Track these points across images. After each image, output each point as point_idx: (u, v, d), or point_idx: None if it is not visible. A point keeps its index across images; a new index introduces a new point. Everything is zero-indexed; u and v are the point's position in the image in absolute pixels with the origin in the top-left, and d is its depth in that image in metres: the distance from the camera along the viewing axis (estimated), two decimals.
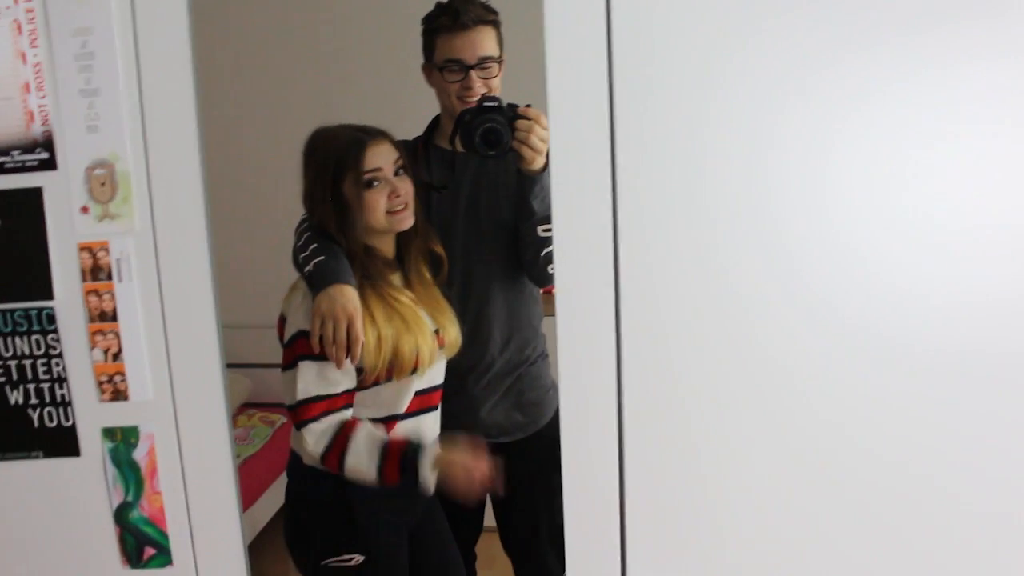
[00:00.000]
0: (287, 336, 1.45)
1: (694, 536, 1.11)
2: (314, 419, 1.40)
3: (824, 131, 1.01)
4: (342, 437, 1.41)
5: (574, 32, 1.02)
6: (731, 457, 1.09)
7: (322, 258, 1.43)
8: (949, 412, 1.05)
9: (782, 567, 1.11)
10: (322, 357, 1.40)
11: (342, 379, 1.43)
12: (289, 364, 1.43)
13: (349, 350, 1.39)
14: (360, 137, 1.45)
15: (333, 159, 1.44)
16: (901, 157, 1.01)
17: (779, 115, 1.01)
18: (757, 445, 1.08)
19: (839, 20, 0.99)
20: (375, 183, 1.44)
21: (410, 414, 1.49)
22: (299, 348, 1.42)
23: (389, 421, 1.46)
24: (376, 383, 1.45)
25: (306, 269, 1.44)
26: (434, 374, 1.52)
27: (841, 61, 0.99)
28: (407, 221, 1.48)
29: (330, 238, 1.45)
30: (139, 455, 1.20)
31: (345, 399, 1.43)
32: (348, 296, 1.40)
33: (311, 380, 1.41)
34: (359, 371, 1.44)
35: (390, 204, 1.45)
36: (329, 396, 1.41)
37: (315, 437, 1.40)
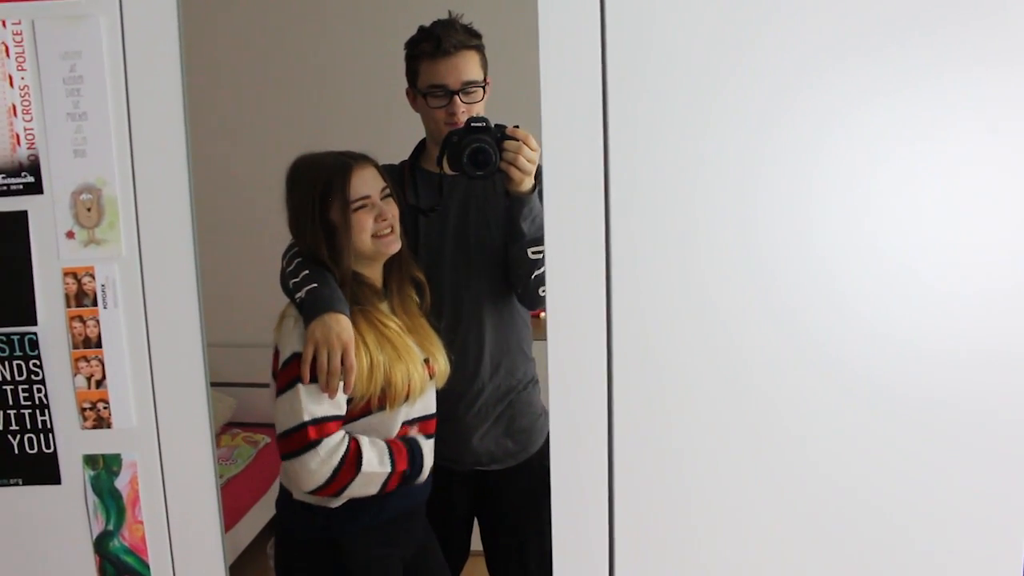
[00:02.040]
0: (282, 360, 1.41)
1: (683, 563, 1.11)
2: (324, 438, 1.37)
3: (812, 160, 1.03)
4: (354, 445, 1.40)
5: (568, 54, 1.03)
6: (722, 485, 1.09)
7: (315, 285, 1.41)
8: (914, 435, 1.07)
9: None
10: (316, 382, 1.38)
11: (340, 403, 1.41)
12: (285, 387, 1.39)
13: (343, 379, 1.37)
14: (345, 162, 1.44)
15: (320, 184, 1.43)
16: (880, 187, 1.03)
17: (774, 129, 1.02)
18: (748, 471, 1.09)
19: (821, 56, 1.01)
20: (362, 207, 1.44)
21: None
22: (294, 371, 1.38)
23: None
24: (368, 412, 1.44)
25: (298, 296, 1.42)
26: (426, 402, 1.51)
27: (821, 84, 1.01)
28: (394, 245, 1.47)
29: (321, 264, 1.44)
30: (121, 483, 1.18)
31: (342, 423, 1.42)
32: (343, 325, 1.38)
33: (316, 401, 1.38)
34: (348, 401, 1.42)
35: (376, 228, 1.44)
36: (337, 417, 1.39)
37: (328, 452, 1.37)
